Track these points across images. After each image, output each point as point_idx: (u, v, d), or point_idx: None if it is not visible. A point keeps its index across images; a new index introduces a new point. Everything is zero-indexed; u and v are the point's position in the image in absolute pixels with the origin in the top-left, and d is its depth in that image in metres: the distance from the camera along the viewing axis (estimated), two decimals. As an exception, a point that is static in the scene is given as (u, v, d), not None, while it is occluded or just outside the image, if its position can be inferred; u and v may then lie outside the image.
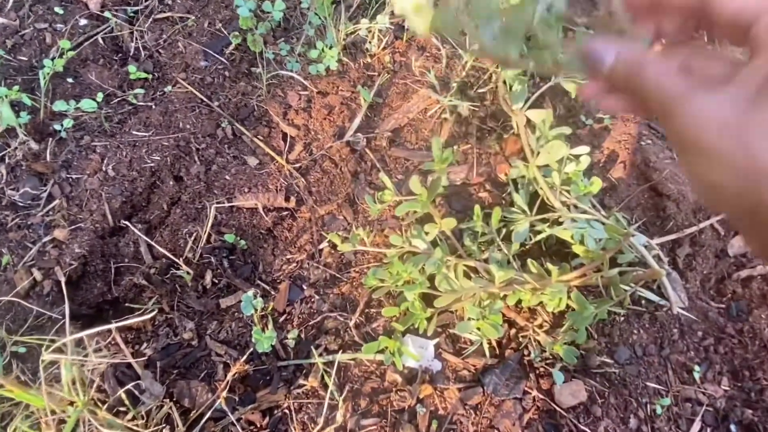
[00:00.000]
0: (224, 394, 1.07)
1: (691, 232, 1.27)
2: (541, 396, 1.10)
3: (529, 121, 1.25)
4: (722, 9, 0.35)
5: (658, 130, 1.43)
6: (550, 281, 1.04)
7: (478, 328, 1.06)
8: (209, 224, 1.25)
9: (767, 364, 1.16)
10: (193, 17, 1.57)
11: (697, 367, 1.15)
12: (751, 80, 0.32)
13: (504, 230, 1.27)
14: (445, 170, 1.06)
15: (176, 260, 1.21)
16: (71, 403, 0.93)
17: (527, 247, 1.23)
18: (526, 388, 1.11)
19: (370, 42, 1.51)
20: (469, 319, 1.06)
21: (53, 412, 0.91)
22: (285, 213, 1.32)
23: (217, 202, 1.30)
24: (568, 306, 1.10)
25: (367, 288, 1.19)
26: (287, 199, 1.31)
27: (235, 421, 1.05)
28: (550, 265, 1.06)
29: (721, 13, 0.35)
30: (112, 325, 0.93)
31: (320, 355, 1.14)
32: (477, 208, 1.17)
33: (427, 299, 1.11)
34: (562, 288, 1.04)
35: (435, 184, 1.04)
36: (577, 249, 1.14)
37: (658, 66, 0.37)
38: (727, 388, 1.14)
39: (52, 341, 1.00)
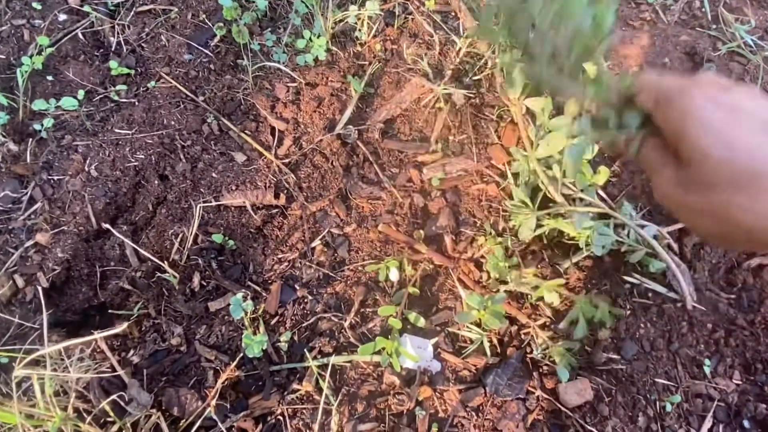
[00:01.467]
0: (215, 401, 1.02)
1: (698, 220, 1.22)
2: (545, 396, 1.06)
3: (527, 109, 1.20)
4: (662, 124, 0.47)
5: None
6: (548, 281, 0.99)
7: (480, 320, 1.02)
8: (196, 224, 1.21)
9: (781, 356, 1.11)
10: (176, 9, 1.51)
11: (707, 361, 1.10)
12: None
13: (501, 222, 1.23)
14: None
15: (162, 263, 1.16)
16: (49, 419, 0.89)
17: (528, 240, 1.18)
18: (529, 388, 1.06)
19: (359, 30, 1.46)
20: (470, 309, 1.02)
21: (35, 426, 0.87)
22: (275, 211, 1.27)
23: (204, 201, 1.25)
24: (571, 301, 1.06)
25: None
26: (277, 196, 1.26)
27: (225, 430, 1.00)
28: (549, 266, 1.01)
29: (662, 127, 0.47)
30: (96, 336, 0.89)
31: (314, 357, 1.09)
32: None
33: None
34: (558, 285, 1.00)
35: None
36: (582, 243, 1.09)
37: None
38: (739, 382, 1.09)
39: (33, 350, 0.95)
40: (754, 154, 0.40)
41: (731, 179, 0.40)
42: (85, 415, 0.97)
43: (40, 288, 1.11)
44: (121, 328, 0.89)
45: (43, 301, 0.96)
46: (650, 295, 1.15)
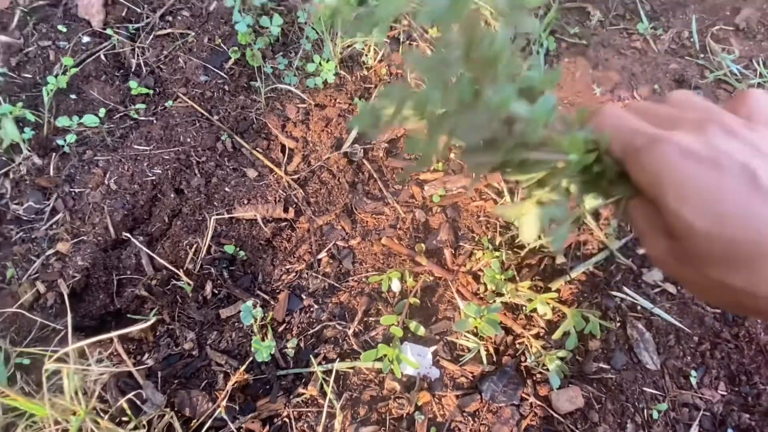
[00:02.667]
0: (224, 403, 1.08)
1: (685, 238, 1.28)
2: (538, 402, 1.11)
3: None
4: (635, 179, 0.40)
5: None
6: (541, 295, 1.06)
7: (477, 330, 1.07)
8: (209, 236, 1.28)
9: (764, 369, 1.17)
10: (193, 33, 1.60)
11: (693, 372, 1.15)
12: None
13: (498, 237, 1.29)
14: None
15: (177, 271, 1.23)
16: (74, 413, 0.95)
17: (523, 254, 1.25)
18: (523, 395, 1.12)
19: (366, 55, 1.54)
20: (467, 317, 1.07)
21: (56, 422, 0.93)
22: (284, 224, 1.34)
23: (217, 214, 1.32)
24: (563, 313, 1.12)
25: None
26: (286, 210, 1.33)
27: (235, 430, 1.06)
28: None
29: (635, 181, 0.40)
30: (113, 334, 0.95)
31: (319, 363, 1.15)
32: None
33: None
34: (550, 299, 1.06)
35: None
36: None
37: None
38: (724, 393, 1.14)
39: (55, 351, 1.02)
40: (746, 223, 0.33)
41: (725, 256, 0.34)
42: (102, 414, 1.03)
43: (65, 292, 1.18)
44: (140, 327, 0.95)
45: (68, 304, 1.02)
46: (639, 308, 1.21)
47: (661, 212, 0.37)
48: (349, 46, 1.55)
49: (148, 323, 1.03)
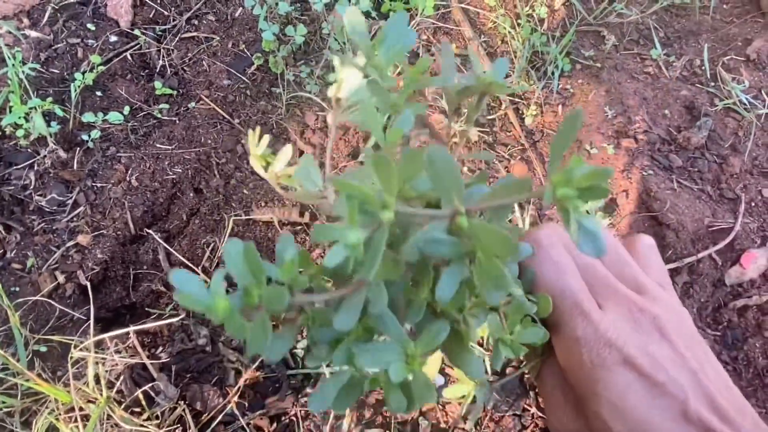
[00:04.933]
0: (235, 399, 1.11)
1: (689, 262, 1.32)
2: (539, 413, 1.14)
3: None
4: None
5: (660, 162, 1.48)
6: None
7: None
8: (227, 235, 1.31)
9: (761, 392, 1.20)
10: (218, 38, 1.64)
11: (692, 392, 1.18)
12: None
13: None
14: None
15: (195, 268, 1.26)
16: (90, 401, 0.98)
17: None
18: (525, 405, 1.15)
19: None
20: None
21: (75, 409, 0.96)
22: (299, 227, 1.37)
23: (235, 215, 1.36)
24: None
25: None
26: (302, 214, 1.36)
27: (245, 425, 1.09)
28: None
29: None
30: (134, 328, 0.99)
31: (328, 365, 1.18)
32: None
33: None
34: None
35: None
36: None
37: None
38: (720, 414, 1.17)
39: (73, 340, 1.05)
40: None
41: None
42: (117, 404, 1.06)
43: (87, 284, 1.21)
44: (162, 323, 0.98)
45: (91, 296, 1.05)
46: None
47: (582, 401, 0.36)
48: (369, 58, 1.59)
49: (175, 319, 1.06)
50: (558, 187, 0.26)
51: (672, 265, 1.31)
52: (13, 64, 1.44)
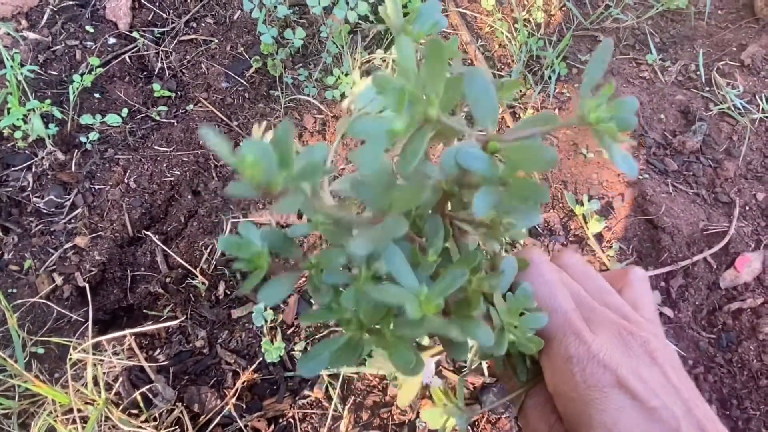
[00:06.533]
0: (233, 401, 1.12)
1: (684, 265, 1.33)
2: (536, 416, 1.15)
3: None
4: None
5: (655, 165, 1.49)
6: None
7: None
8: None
9: (755, 394, 1.21)
10: (217, 40, 1.65)
11: (687, 395, 1.19)
12: None
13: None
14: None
15: (193, 270, 1.27)
16: (88, 403, 0.98)
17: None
18: (522, 408, 1.15)
19: (384, 71, 1.59)
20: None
21: (73, 410, 0.96)
22: (297, 230, 1.38)
23: (233, 217, 1.36)
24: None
25: None
26: (300, 217, 1.37)
27: (242, 427, 1.09)
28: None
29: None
30: (133, 330, 0.99)
31: (326, 367, 1.18)
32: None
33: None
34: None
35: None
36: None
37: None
38: (715, 416, 1.18)
39: (71, 342, 1.05)
40: None
41: None
42: (115, 406, 1.06)
43: (86, 286, 1.21)
44: (161, 325, 0.98)
45: (89, 298, 1.06)
46: (637, 330, 1.25)
47: (570, 428, 0.36)
48: (367, 62, 1.60)
49: (173, 322, 1.06)
50: (592, 111, 0.27)
51: (667, 268, 1.32)
52: (12, 66, 1.44)
